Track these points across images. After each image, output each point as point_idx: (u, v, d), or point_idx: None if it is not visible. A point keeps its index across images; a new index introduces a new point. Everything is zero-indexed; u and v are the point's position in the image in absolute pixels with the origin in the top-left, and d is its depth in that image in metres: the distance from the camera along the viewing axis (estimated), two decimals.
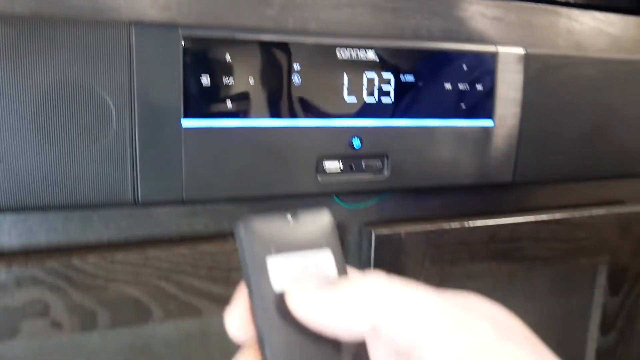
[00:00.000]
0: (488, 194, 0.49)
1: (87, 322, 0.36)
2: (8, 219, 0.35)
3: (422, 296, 0.18)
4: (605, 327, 0.55)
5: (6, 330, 0.34)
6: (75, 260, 0.35)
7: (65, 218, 0.36)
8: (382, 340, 0.18)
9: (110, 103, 0.33)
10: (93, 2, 0.34)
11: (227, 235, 0.40)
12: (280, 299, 0.18)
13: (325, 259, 0.19)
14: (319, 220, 0.20)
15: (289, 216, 0.20)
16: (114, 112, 0.33)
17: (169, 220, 0.39)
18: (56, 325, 0.35)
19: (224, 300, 0.38)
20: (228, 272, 0.38)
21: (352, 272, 0.21)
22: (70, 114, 0.32)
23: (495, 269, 0.48)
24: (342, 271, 0.20)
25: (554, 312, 0.55)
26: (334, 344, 0.19)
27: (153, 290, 0.37)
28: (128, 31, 0.33)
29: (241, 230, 0.18)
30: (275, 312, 0.18)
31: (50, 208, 0.34)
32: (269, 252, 0.18)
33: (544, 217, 0.49)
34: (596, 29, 0.50)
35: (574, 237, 0.50)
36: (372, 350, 0.19)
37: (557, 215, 0.49)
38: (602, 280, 0.54)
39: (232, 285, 0.38)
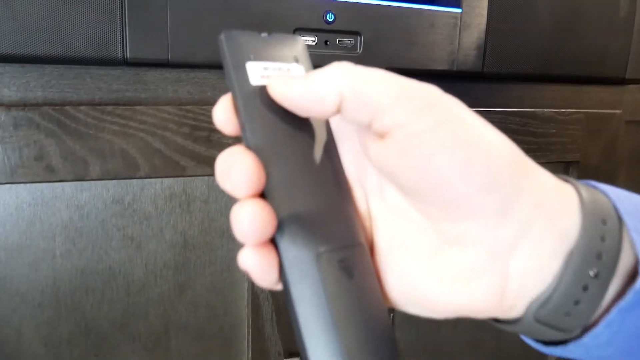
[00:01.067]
0: (460, 87, 0.51)
1: (79, 170, 0.39)
2: (8, 73, 0.38)
3: (380, 73, 0.19)
4: None
5: (5, 172, 0.37)
6: (69, 108, 0.38)
7: (60, 75, 0.39)
8: (345, 114, 0.19)
9: None
10: None
11: (209, 103, 0.43)
12: (257, 92, 0.20)
13: (298, 72, 0.21)
14: (293, 42, 0.22)
15: (264, 35, 0.21)
16: None
17: (156, 85, 0.42)
18: (50, 170, 0.38)
19: (206, 161, 0.41)
20: (210, 132, 0.41)
21: None
22: None
23: None
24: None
25: None
26: (304, 124, 0.21)
27: (140, 143, 0.40)
28: None
29: (224, 39, 0.20)
30: (254, 103, 0.20)
31: (45, 60, 0.38)
32: (248, 59, 0.20)
33: (514, 109, 0.51)
34: None
35: (545, 132, 0.53)
36: (338, 135, 0.21)
37: (528, 109, 0.52)
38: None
39: (214, 146, 0.41)
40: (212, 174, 0.42)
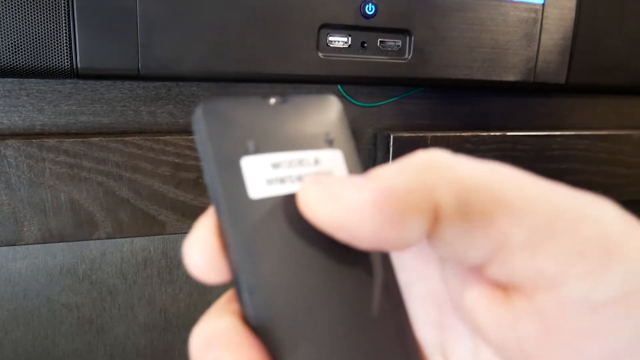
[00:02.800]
0: (536, 100, 0.39)
1: (10, 233, 0.27)
2: None
3: (510, 173, 0.11)
4: None
5: None
6: None
7: None
8: (437, 241, 0.11)
9: None
10: None
11: None
12: (265, 213, 0.12)
13: (332, 164, 0.13)
14: (321, 110, 0.13)
15: (272, 100, 0.13)
16: None
17: (124, 106, 0.29)
18: None
19: (193, 213, 0.29)
20: (200, 172, 0.29)
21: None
22: None
23: None
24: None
25: None
26: (347, 265, 0.12)
27: (98, 190, 0.28)
28: None
29: (203, 120, 0.12)
30: (257, 233, 0.12)
31: None
32: (246, 152, 0.12)
33: (603, 132, 0.39)
34: None
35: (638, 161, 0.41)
36: (404, 265, 0.14)
37: (621, 132, 0.40)
38: None
39: (204, 193, 0.29)
40: None
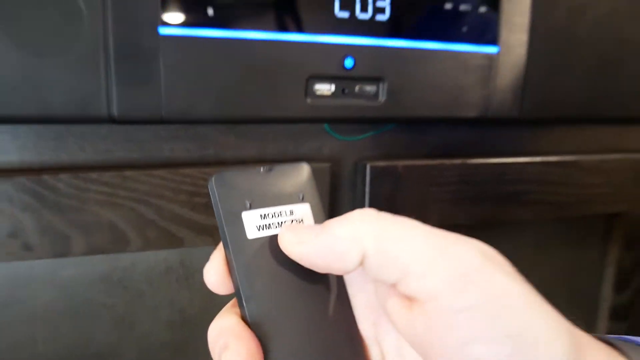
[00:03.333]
0: (493, 131, 0.46)
1: (60, 247, 0.34)
2: None
3: (411, 227, 0.17)
4: (620, 284, 0.52)
5: None
6: (46, 177, 0.33)
7: (38, 135, 0.34)
8: (367, 269, 0.17)
9: (82, 5, 0.31)
10: None
11: (210, 163, 0.38)
12: (256, 249, 0.18)
13: (303, 214, 0.19)
14: (296, 174, 0.19)
15: (263, 169, 0.19)
16: (85, 16, 0.31)
17: (148, 143, 0.36)
18: (27, 248, 0.33)
19: (206, 230, 0.36)
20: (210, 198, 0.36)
21: None
22: (38, 14, 0.30)
23: (500, 212, 0.45)
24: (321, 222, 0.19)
25: (564, 266, 0.51)
26: (312, 284, 0.18)
27: (130, 214, 0.34)
28: None
29: (215, 187, 0.18)
30: (252, 262, 0.17)
31: (20, 120, 0.32)
32: (244, 207, 0.18)
33: (553, 158, 0.46)
34: None
35: (587, 182, 0.47)
36: (351, 284, 0.19)
37: (568, 158, 0.46)
38: (617, 233, 0.51)
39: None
40: (212, 244, 0.37)
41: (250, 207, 0.18)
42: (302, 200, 0.19)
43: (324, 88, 0.37)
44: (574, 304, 0.53)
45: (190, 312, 0.38)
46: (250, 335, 0.16)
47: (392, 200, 0.41)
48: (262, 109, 0.36)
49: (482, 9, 0.40)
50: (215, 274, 0.18)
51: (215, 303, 0.39)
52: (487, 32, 0.40)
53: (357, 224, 0.17)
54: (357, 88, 0.38)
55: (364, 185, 0.40)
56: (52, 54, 0.31)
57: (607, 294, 0.52)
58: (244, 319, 0.17)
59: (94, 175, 0.34)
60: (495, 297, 0.15)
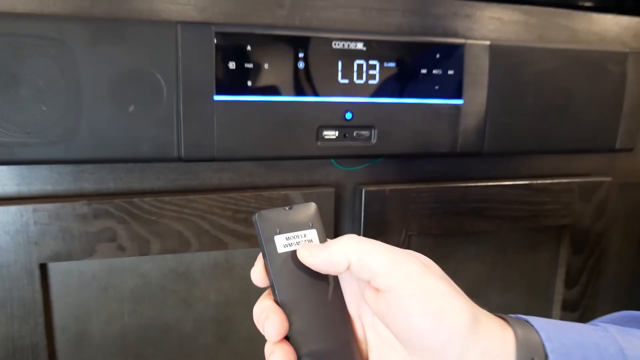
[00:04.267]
0: (463, 162, 0.58)
1: (143, 248, 0.48)
2: (86, 170, 0.48)
3: (378, 246, 0.27)
4: (570, 282, 0.64)
5: (86, 251, 0.46)
6: (135, 199, 0.47)
7: (127, 170, 0.48)
8: (352, 272, 0.27)
9: (163, 83, 0.45)
10: (150, 6, 0.46)
11: (247, 188, 0.51)
12: (283, 258, 0.28)
13: (312, 236, 0.29)
14: (307, 210, 0.30)
15: (287, 208, 0.29)
16: (164, 89, 0.45)
17: (204, 174, 0.50)
18: (121, 249, 0.47)
19: (244, 237, 0.50)
20: (247, 214, 0.50)
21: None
22: (134, 90, 0.44)
23: (467, 224, 0.57)
24: (324, 241, 0.30)
25: (523, 266, 0.64)
26: (318, 280, 0.29)
27: (191, 225, 0.48)
28: (175, 28, 0.45)
29: (257, 220, 0.28)
30: (280, 267, 0.28)
31: (117, 161, 0.47)
32: (276, 233, 0.28)
33: (509, 182, 0.58)
34: (556, 24, 0.59)
35: (538, 200, 0.59)
36: (342, 280, 0.30)
37: (522, 182, 0.59)
38: (566, 240, 0.63)
39: (250, 226, 0.50)
40: (249, 247, 0.51)
41: (279, 233, 0.29)
42: (311, 227, 0.30)
43: (330, 134, 0.50)
44: (533, 297, 0.65)
45: (231, 295, 0.52)
46: (281, 311, 0.27)
47: (382, 215, 0.54)
48: (286, 150, 0.49)
49: (450, 72, 0.53)
50: (258, 274, 0.29)
51: (249, 290, 0.54)
52: (454, 89, 0.53)
53: (345, 244, 0.27)
54: (354, 133, 0.51)
55: (361, 204, 0.54)
56: (143, 116, 0.45)
57: (559, 289, 0.64)
58: (276, 302, 0.27)
59: (167, 198, 0.48)
60: (426, 289, 0.25)
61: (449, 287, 0.26)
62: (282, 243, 0.28)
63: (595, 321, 0.31)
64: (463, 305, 0.25)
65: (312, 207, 0.30)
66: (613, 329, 0.28)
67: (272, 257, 0.28)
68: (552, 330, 0.26)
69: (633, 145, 0.61)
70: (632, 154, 0.64)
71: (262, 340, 0.27)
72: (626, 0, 0.68)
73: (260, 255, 0.28)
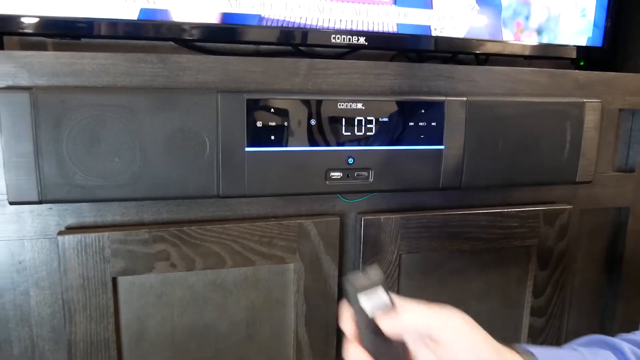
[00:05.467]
0: (444, 195, 0.71)
1: (190, 265, 0.61)
2: (146, 205, 0.61)
3: (434, 311, 0.37)
4: (537, 292, 0.76)
5: (147, 268, 0.60)
6: (184, 228, 0.60)
7: (177, 204, 0.62)
8: (419, 336, 0.37)
9: (206, 139, 0.58)
10: (196, 79, 0.60)
11: (270, 217, 0.65)
12: (367, 316, 0.38)
13: (381, 292, 0.39)
14: (376, 272, 0.40)
15: (363, 270, 0.40)
16: (207, 144, 0.58)
17: (236, 207, 0.64)
18: (173, 266, 0.61)
19: (267, 256, 0.63)
20: (271, 239, 0.63)
21: (396, 298, 0.39)
22: (184, 144, 0.58)
23: (448, 245, 0.70)
24: (390, 297, 0.39)
25: (497, 280, 0.76)
26: (394, 339, 0.39)
27: (227, 247, 0.62)
28: (216, 96, 0.58)
29: (347, 282, 0.39)
30: (365, 321, 0.38)
31: (170, 199, 0.60)
32: (359, 291, 0.39)
33: (484, 210, 0.71)
34: (524, 80, 0.71)
35: (509, 225, 0.72)
36: (410, 342, 0.39)
37: (495, 210, 0.71)
38: (533, 258, 0.75)
39: (273, 248, 0.63)
40: (271, 264, 0.64)
41: (362, 291, 0.39)
42: (380, 285, 0.40)
43: (336, 175, 0.63)
44: (506, 305, 0.77)
45: (257, 302, 0.66)
46: (366, 354, 0.38)
47: (378, 238, 0.67)
48: (301, 188, 0.62)
49: (433, 124, 0.65)
50: (347, 323, 0.39)
51: (272, 298, 0.67)
52: (436, 137, 0.66)
53: (410, 315, 0.38)
54: (355, 174, 0.64)
55: (361, 229, 0.67)
56: (189, 163, 0.58)
57: (528, 299, 0.77)
58: (362, 345, 0.39)
59: (208, 226, 0.61)
60: (469, 339, 0.36)
61: (484, 337, 0.37)
62: (364, 299, 0.38)
63: (571, 344, 0.44)
64: (493, 346, 0.37)
65: (377, 270, 0.41)
66: (585, 351, 0.40)
67: (359, 311, 0.38)
68: (546, 356, 0.39)
69: (591, 179, 0.73)
70: (590, 185, 0.76)
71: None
72: (580, 60, 0.81)
73: (346, 306, 0.39)
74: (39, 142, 0.54)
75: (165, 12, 0.63)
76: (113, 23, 0.62)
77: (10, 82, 0.55)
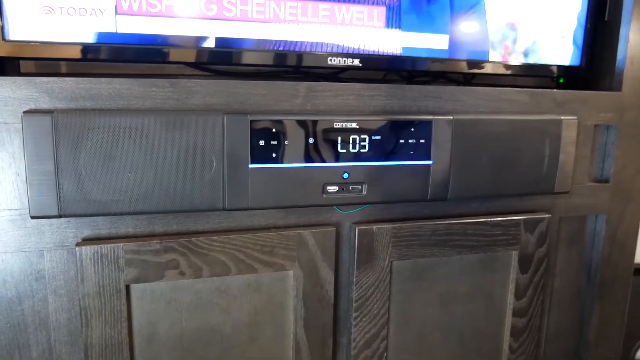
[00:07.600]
0: (432, 205, 0.76)
1: (197, 273, 0.66)
2: (157, 217, 0.66)
3: None
4: (519, 294, 0.82)
5: (158, 276, 0.65)
6: (192, 238, 0.65)
7: (186, 217, 0.67)
8: None
9: (213, 157, 0.63)
10: (204, 102, 0.64)
11: (271, 228, 0.70)
12: None
13: None
14: None
15: None
16: (214, 162, 0.63)
17: (240, 219, 0.69)
18: (182, 274, 0.66)
19: (269, 264, 0.68)
20: (272, 248, 0.68)
21: None
22: (193, 161, 0.62)
23: (436, 252, 0.76)
24: None
25: (481, 283, 0.82)
26: None
27: (231, 256, 0.67)
28: (222, 117, 0.63)
29: None
30: None
31: (179, 212, 0.65)
32: None
33: (470, 219, 0.76)
34: (505, 99, 0.77)
35: (492, 233, 0.77)
36: None
37: (479, 219, 0.77)
38: (515, 263, 0.81)
39: (274, 256, 0.68)
40: (272, 272, 0.69)
41: None
42: None
43: (332, 188, 0.69)
44: (490, 307, 0.83)
45: (259, 307, 0.71)
46: None
47: (370, 246, 0.72)
48: (300, 201, 0.67)
49: (422, 141, 0.71)
50: None
51: (273, 302, 0.72)
52: (425, 153, 0.71)
53: None
54: (350, 187, 0.69)
55: (355, 238, 0.72)
56: (197, 179, 0.63)
57: (510, 301, 0.82)
58: None
59: (214, 237, 0.66)
60: None
61: None
62: None
63: None
64: None
65: None
66: None
67: None
68: None
69: (568, 189, 0.79)
70: (568, 195, 0.82)
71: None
72: (560, 77, 0.86)
73: None
74: (59, 161, 0.59)
75: (165, 37, 0.68)
76: (122, 49, 0.67)
77: (32, 106, 0.59)
